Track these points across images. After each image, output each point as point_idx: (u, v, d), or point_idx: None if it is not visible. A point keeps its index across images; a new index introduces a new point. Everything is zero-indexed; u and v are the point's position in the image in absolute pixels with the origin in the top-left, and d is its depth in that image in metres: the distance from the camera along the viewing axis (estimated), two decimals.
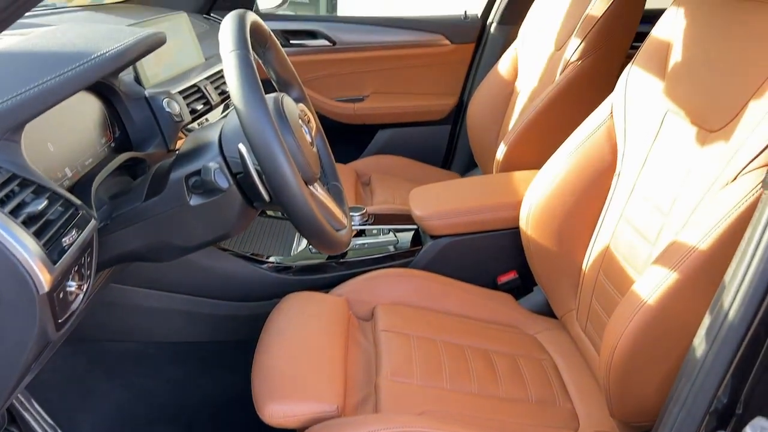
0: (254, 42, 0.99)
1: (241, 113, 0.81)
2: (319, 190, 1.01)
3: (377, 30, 2.19)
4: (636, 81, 1.19)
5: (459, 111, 2.30)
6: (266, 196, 0.88)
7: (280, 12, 2.31)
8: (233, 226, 0.93)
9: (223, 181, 0.88)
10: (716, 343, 0.72)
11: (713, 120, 0.95)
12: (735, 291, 0.70)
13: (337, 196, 1.17)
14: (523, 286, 1.49)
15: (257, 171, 0.86)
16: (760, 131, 0.81)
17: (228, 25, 0.86)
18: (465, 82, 2.30)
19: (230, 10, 0.97)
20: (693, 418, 0.73)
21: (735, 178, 0.82)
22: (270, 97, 0.93)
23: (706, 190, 0.90)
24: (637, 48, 1.23)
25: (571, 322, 1.32)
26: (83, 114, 0.98)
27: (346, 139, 2.28)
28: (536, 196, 1.30)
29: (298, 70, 1.14)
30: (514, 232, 1.43)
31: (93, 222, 0.79)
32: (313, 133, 1.07)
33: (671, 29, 1.14)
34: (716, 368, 0.71)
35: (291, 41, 2.15)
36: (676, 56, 1.10)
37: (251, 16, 0.93)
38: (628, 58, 1.64)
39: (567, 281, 1.31)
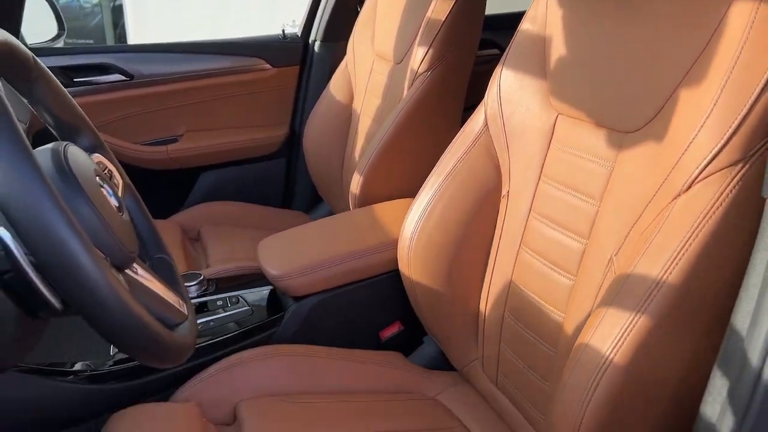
0: (9, 74, 0.68)
1: None
2: (140, 273, 0.73)
3: (183, 58, 1.85)
4: (511, 86, 1.02)
5: (292, 142, 2.04)
6: (56, 303, 0.59)
7: (56, 46, 1.87)
8: (7, 353, 0.61)
9: None
10: (731, 405, 0.54)
11: (626, 119, 0.79)
12: (750, 333, 0.52)
13: (167, 273, 0.86)
14: (411, 337, 1.26)
15: (33, 266, 0.56)
16: (710, 128, 0.65)
17: None
18: (294, 108, 2.04)
19: None
20: None
21: (689, 187, 0.66)
22: (45, 150, 0.64)
23: (642, 204, 0.74)
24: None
25: (476, 375, 1.11)
26: None
27: (163, 188, 1.90)
28: (414, 231, 1.08)
29: (87, 114, 0.82)
30: (392, 276, 1.20)
31: None
32: (120, 193, 0.78)
33: (543, 22, 0.99)
34: None
35: (75, 79, 1.73)
36: (557, 51, 0.94)
37: None
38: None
39: (464, 327, 1.10)
